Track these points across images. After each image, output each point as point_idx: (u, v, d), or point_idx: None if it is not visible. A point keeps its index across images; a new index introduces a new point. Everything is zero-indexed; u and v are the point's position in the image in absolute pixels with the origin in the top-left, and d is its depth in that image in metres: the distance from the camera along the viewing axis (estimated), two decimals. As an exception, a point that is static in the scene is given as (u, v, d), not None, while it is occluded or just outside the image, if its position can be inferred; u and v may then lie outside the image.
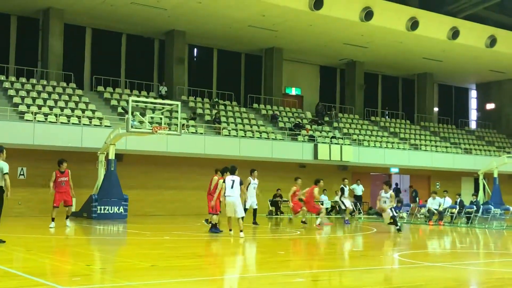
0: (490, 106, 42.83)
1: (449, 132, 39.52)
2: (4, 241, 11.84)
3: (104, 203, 21.91)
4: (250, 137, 28.87)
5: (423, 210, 24.80)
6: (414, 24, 30.59)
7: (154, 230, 17.19)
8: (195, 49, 33.75)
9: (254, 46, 33.53)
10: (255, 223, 19.70)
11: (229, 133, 28.46)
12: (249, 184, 19.37)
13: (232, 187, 14.33)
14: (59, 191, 16.85)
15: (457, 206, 23.73)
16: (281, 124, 31.91)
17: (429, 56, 35.29)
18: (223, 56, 34.16)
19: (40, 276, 7.88)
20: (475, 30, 33.01)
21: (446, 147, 36.23)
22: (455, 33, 32.05)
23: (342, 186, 23.94)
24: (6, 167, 12.03)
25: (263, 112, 33.06)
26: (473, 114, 44.76)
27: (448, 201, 23.85)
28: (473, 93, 44.74)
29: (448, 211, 23.66)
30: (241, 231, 14.22)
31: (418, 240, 17.18)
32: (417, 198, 31.93)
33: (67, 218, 17.14)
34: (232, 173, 14.71)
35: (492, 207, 24.38)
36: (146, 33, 31.39)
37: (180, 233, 16.33)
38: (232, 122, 30.04)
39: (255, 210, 19.80)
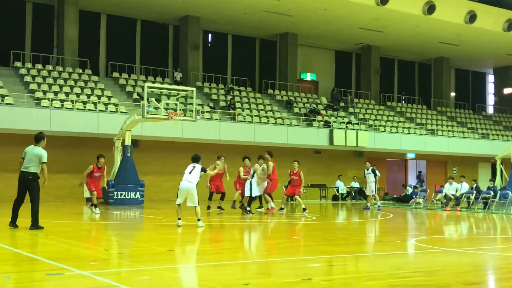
0: (507, 90, 42.34)
1: (466, 117, 39.17)
2: (42, 227, 11.91)
3: (120, 189, 22.07)
4: (265, 123, 28.84)
5: (440, 195, 24.67)
6: (430, 8, 30.24)
7: (170, 216, 17.29)
8: (210, 35, 33.69)
9: (269, 31, 33.38)
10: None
11: (244, 119, 28.45)
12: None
13: (190, 172, 13.14)
14: (92, 181, 16.96)
15: (474, 192, 23.59)
16: (296, 110, 31.82)
17: (446, 40, 34.90)
18: (238, 41, 34.07)
19: (59, 260, 7.96)
20: (492, 14, 32.56)
21: (463, 132, 35.94)
22: (472, 17, 31.65)
23: (372, 168, 21.98)
24: (45, 156, 11.96)
25: (278, 97, 32.98)
26: (491, 99, 44.30)
27: (465, 187, 23.71)
28: (490, 78, 44.24)
29: (464, 197, 23.52)
30: (198, 220, 13.19)
31: (435, 226, 17.11)
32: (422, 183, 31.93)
33: (92, 205, 17.25)
34: (195, 161, 13.44)
35: (510, 193, 24.17)
36: (160, 19, 31.38)
37: (196, 218, 16.39)
38: (247, 108, 30.01)
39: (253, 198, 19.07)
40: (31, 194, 11.96)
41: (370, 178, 21.72)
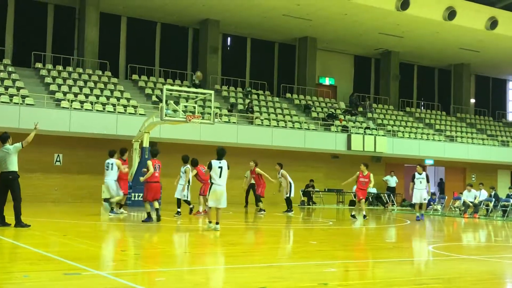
0: (528, 98, 41.89)
1: (486, 124, 38.79)
2: (28, 225, 12.18)
3: (138, 190, 22.12)
4: (283, 127, 28.82)
5: (458, 202, 24.46)
6: (451, 14, 30.04)
7: (187, 218, 17.34)
8: (229, 38, 33.77)
9: (288, 35, 33.39)
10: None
11: (262, 122, 28.46)
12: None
13: (220, 176, 12.81)
14: (123, 178, 17.21)
15: (493, 199, 23.35)
16: (314, 114, 31.75)
17: (466, 47, 34.63)
18: (257, 45, 34.11)
19: (76, 260, 8.02)
20: (514, 20, 32.25)
21: (483, 139, 35.59)
22: (493, 23, 31.37)
23: (426, 173, 19.78)
24: (17, 145, 12.36)
25: (296, 102, 32.95)
26: (511, 106, 43.82)
27: (484, 194, 23.48)
28: (511, 85, 43.77)
29: (483, 204, 23.28)
30: (217, 223, 13.01)
31: (453, 233, 16.95)
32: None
33: (120, 207, 17.35)
34: (220, 157, 12.96)
35: (529, 201, 23.86)
36: (180, 22, 31.53)
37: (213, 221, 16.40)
38: (265, 112, 30.02)
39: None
40: (12, 193, 12.31)
41: (422, 184, 19.22)
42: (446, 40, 33.40)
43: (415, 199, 19.46)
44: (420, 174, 19.41)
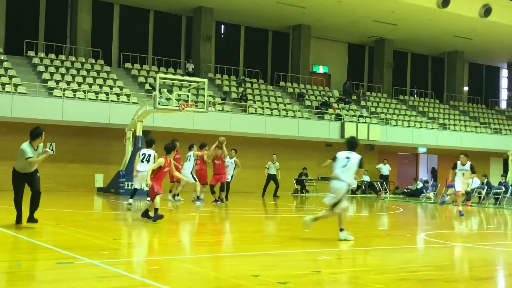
0: (522, 85, 41.99)
1: (479, 111, 38.90)
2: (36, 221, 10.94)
3: (131, 179, 22.04)
4: (277, 115, 28.81)
5: (450, 190, 24.55)
6: (445, 1, 29.99)
7: (180, 206, 17.35)
8: (223, 26, 33.64)
9: (282, 23, 33.28)
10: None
11: (256, 111, 28.44)
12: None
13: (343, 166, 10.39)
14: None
15: (485, 187, 23.47)
16: (307, 103, 31.75)
17: (460, 34, 34.62)
18: (250, 33, 34.00)
19: (69, 249, 8.02)
20: (508, 8, 32.22)
21: (476, 127, 35.70)
22: (487, 11, 31.35)
23: (471, 164, 16.80)
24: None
25: (290, 90, 32.92)
26: (504, 94, 43.92)
27: (476, 182, 23.59)
28: (504, 72, 43.85)
29: (476, 192, 23.41)
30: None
31: (445, 220, 17.04)
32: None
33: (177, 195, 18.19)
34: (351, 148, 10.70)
35: (521, 188, 24.01)
36: (173, 10, 31.38)
37: (206, 210, 16.45)
38: (258, 100, 29.99)
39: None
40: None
41: (465, 176, 16.61)
42: (439, 28, 33.38)
43: (458, 187, 16.56)
44: (463, 165, 16.41)
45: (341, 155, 10.32)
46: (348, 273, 7.47)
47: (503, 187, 23.35)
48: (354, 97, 34.53)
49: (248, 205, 19.41)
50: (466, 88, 41.38)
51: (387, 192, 29.33)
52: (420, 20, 32.00)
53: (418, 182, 30.04)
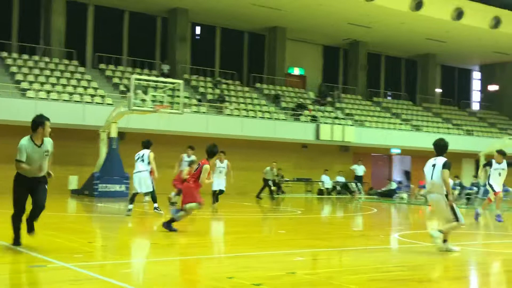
0: (493, 87, 42.65)
1: (451, 113, 39.42)
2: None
3: (105, 181, 21.99)
4: (253, 116, 28.85)
5: (423, 191, 24.84)
6: (418, 4, 30.34)
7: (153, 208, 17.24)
8: (198, 27, 33.57)
9: (258, 25, 33.34)
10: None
11: (232, 112, 28.44)
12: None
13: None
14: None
15: (457, 187, 23.82)
16: (283, 104, 31.85)
17: (433, 37, 35.07)
18: (226, 34, 33.99)
19: (42, 252, 7.94)
20: (480, 11, 32.74)
21: (448, 128, 36.17)
22: (459, 14, 31.80)
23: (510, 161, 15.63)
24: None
25: (266, 91, 32.99)
26: (476, 96, 44.60)
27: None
28: (476, 75, 44.53)
29: (448, 192, 23.71)
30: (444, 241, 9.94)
31: (418, 221, 17.25)
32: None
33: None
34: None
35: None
36: (149, 11, 31.22)
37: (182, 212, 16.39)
38: (234, 102, 29.99)
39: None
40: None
41: (502, 176, 14.96)
42: (413, 31, 33.76)
43: (497, 187, 14.85)
44: (499, 163, 14.85)
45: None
46: (322, 274, 7.52)
47: (475, 188, 23.72)
48: (329, 99, 34.74)
49: (224, 206, 19.40)
50: (438, 90, 41.92)
51: (361, 192, 29.57)
52: (394, 23, 32.33)
53: (392, 182, 30.32)
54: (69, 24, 28.48)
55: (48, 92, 24.21)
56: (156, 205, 14.39)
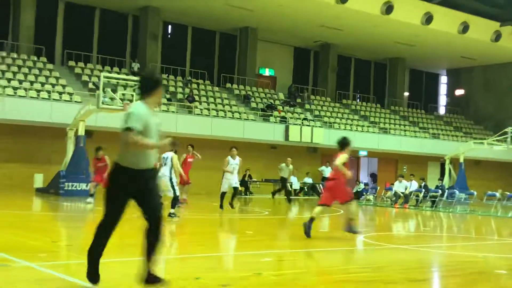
0: (459, 92, 43.41)
1: (418, 116, 40.00)
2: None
3: (72, 180, 21.72)
4: (223, 117, 28.85)
5: (390, 193, 25.19)
6: (389, 8, 30.70)
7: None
8: (170, 26, 33.43)
9: (229, 25, 33.34)
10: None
11: (201, 112, 28.39)
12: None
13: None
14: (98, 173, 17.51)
15: (423, 190, 24.19)
16: (253, 105, 31.92)
17: (402, 41, 35.53)
18: (198, 34, 33.90)
19: (5, 251, 7.83)
20: (449, 16, 33.28)
21: (415, 131, 36.70)
22: (428, 18, 32.27)
23: None
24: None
25: (236, 92, 33.01)
26: (443, 100, 45.35)
27: (414, 185, 24.28)
28: (443, 79, 45.28)
29: (413, 195, 24.08)
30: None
31: (384, 223, 17.48)
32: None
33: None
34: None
35: (457, 192, 24.87)
36: (120, 8, 30.95)
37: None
38: (204, 101, 29.94)
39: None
40: None
41: None
42: (383, 34, 34.16)
43: None
44: None
45: None
46: (289, 275, 7.59)
47: (440, 191, 24.13)
48: (299, 100, 34.94)
49: (192, 207, 19.37)
50: (406, 94, 42.50)
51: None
52: (364, 26, 32.64)
53: (360, 184, 30.64)
54: (38, 20, 28.08)
55: (15, 88, 23.83)
56: (172, 210, 13.51)
